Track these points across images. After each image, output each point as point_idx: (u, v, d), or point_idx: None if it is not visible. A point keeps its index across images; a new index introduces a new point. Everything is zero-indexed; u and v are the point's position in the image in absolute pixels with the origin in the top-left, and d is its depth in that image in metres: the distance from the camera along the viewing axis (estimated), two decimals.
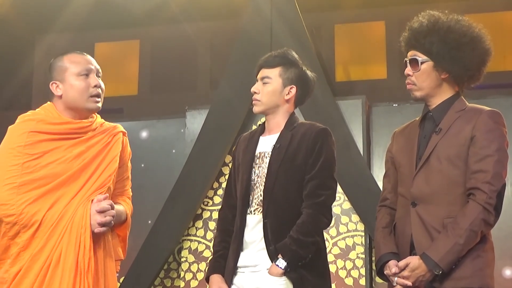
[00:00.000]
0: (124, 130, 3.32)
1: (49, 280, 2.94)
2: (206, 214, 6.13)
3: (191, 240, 6.13)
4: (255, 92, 3.30)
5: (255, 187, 3.22)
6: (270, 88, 3.28)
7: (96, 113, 3.28)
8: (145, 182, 6.05)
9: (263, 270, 3.12)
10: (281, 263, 3.06)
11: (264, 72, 3.30)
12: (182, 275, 6.08)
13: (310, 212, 3.14)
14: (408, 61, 3.07)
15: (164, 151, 6.61)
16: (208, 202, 6.14)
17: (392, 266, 2.95)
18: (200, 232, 6.11)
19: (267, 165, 3.22)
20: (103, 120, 3.30)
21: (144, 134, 6.68)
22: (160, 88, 8.07)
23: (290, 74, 3.29)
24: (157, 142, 6.64)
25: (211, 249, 3.59)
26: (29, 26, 7.81)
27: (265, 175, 3.20)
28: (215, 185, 6.14)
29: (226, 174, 5.95)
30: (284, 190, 3.17)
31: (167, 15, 7.40)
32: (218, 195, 6.01)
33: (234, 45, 6.36)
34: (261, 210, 3.17)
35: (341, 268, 5.74)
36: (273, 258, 3.09)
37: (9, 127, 3.16)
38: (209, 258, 3.37)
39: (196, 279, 6.01)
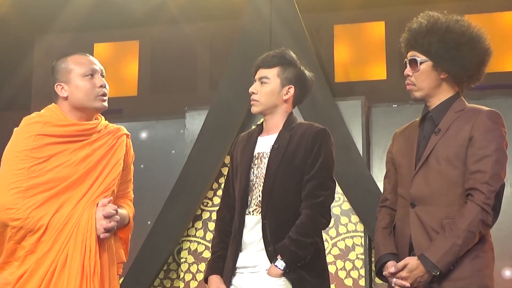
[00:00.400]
0: (127, 133, 3.32)
1: (55, 284, 2.94)
2: (205, 215, 6.13)
3: (190, 241, 6.13)
4: (253, 93, 3.29)
5: (253, 188, 3.22)
6: (268, 88, 3.27)
7: (100, 115, 3.29)
8: (144, 183, 6.04)
9: (262, 270, 3.12)
10: (280, 264, 3.06)
11: (262, 72, 3.30)
12: (181, 275, 6.08)
13: (309, 212, 3.14)
14: (407, 62, 3.07)
15: (163, 152, 6.61)
16: (207, 203, 6.14)
17: (390, 266, 2.95)
18: (200, 233, 6.11)
19: (265, 166, 3.21)
20: (107, 122, 3.30)
21: (143, 134, 6.68)
22: (160, 88, 8.07)
23: (288, 74, 3.29)
24: (156, 143, 6.64)
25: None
26: (28, 26, 7.80)
27: (264, 176, 3.19)
28: (215, 185, 6.14)
29: (225, 175, 5.95)
30: (283, 190, 3.17)
31: (166, 15, 7.39)
32: (218, 196, 6.01)
33: (233, 46, 6.36)
34: (260, 210, 3.16)
35: (341, 269, 5.74)
36: (272, 258, 3.09)
37: (15, 129, 3.15)
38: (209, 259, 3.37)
39: (196, 279, 6.01)
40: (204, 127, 6.13)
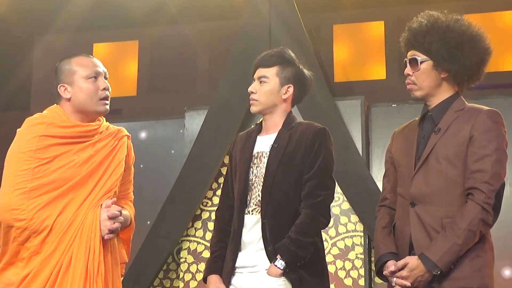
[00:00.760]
0: (128, 134, 3.34)
1: (59, 285, 2.95)
2: (205, 215, 6.13)
3: (190, 241, 6.12)
4: (252, 92, 3.28)
5: (253, 187, 3.21)
6: (268, 88, 3.26)
7: (102, 117, 3.30)
8: (144, 183, 6.03)
9: (261, 270, 3.11)
10: (280, 263, 3.05)
11: (261, 71, 3.28)
12: (181, 275, 6.07)
13: (309, 212, 3.13)
14: (407, 61, 3.07)
15: (163, 152, 6.60)
16: (207, 203, 6.14)
17: (390, 265, 2.95)
18: (199, 233, 6.11)
19: (265, 165, 3.20)
20: (108, 123, 3.31)
21: (143, 134, 6.68)
22: (159, 88, 8.07)
23: (287, 73, 3.28)
24: (156, 143, 6.63)
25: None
26: (28, 27, 7.80)
27: (263, 175, 3.18)
28: (214, 185, 6.14)
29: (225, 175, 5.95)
30: (283, 190, 3.16)
31: (165, 15, 7.40)
32: (217, 196, 6.00)
33: (233, 46, 6.35)
34: (259, 210, 3.16)
35: (340, 269, 5.74)
36: (271, 258, 3.09)
37: (18, 130, 3.15)
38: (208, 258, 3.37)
39: (195, 279, 6.01)
40: (204, 127, 6.13)
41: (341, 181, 5.53)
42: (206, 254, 5.97)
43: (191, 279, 6.03)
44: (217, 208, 3.41)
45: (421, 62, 3.01)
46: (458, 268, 2.84)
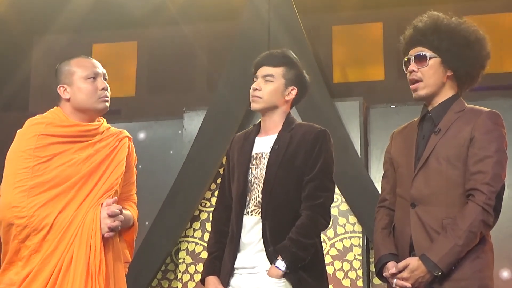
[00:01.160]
0: (129, 136, 3.39)
1: (60, 283, 2.97)
2: (203, 216, 6.13)
3: (188, 242, 6.13)
4: (256, 89, 3.26)
5: (252, 188, 3.21)
6: (272, 87, 3.25)
7: (102, 117, 3.35)
8: (142, 183, 5.96)
9: (261, 271, 3.11)
10: (281, 264, 3.05)
11: (266, 70, 3.27)
12: (179, 276, 6.07)
13: (309, 213, 3.13)
14: (412, 58, 3.06)
15: (161, 152, 6.60)
16: (205, 204, 6.14)
17: (390, 267, 2.94)
18: (198, 234, 6.11)
19: (265, 166, 3.20)
20: (109, 125, 3.35)
21: (141, 135, 6.68)
22: (158, 89, 8.06)
23: (292, 75, 3.29)
24: (154, 143, 6.63)
25: None
26: (27, 27, 7.79)
27: (263, 176, 3.18)
28: (213, 186, 6.14)
29: None
30: (283, 191, 3.16)
31: (164, 16, 7.39)
32: (216, 197, 5.99)
33: (232, 47, 6.35)
34: (259, 211, 3.16)
35: (339, 270, 5.74)
36: (272, 259, 3.09)
37: (18, 131, 3.20)
38: (205, 260, 3.37)
39: (194, 280, 6.01)
40: (202, 128, 6.13)
41: (339, 182, 5.52)
42: (205, 255, 5.94)
43: (190, 280, 6.03)
44: (214, 209, 3.41)
45: (430, 58, 3.01)
46: (459, 269, 2.84)
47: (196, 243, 6.09)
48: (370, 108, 6.18)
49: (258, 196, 3.17)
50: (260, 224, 3.14)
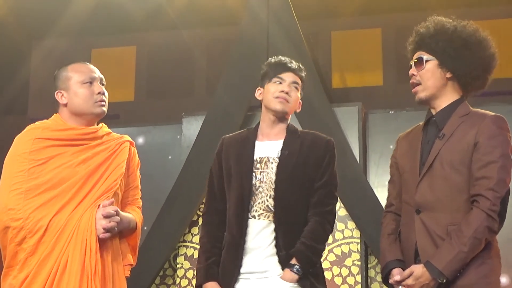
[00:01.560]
0: (131, 140, 3.41)
1: (57, 284, 2.98)
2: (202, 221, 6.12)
3: (187, 247, 6.12)
4: (287, 92, 3.28)
5: (257, 192, 3.21)
6: (296, 96, 3.35)
7: (103, 123, 3.38)
8: (141, 188, 6.02)
9: (273, 276, 3.12)
10: (297, 269, 3.08)
11: (294, 77, 3.33)
12: (177, 281, 6.07)
13: (319, 219, 3.19)
14: (413, 63, 3.07)
15: (160, 158, 6.60)
16: None
17: (395, 274, 2.94)
18: (196, 239, 6.10)
19: (273, 171, 3.22)
20: (110, 130, 3.37)
21: (140, 140, 6.67)
22: (157, 94, 8.06)
23: (301, 90, 3.40)
24: (153, 148, 6.63)
25: None
26: (26, 32, 7.80)
27: (273, 181, 3.20)
28: None
29: None
30: (294, 196, 3.20)
31: (163, 21, 7.40)
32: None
33: (231, 52, 6.36)
34: (269, 215, 3.17)
35: (337, 275, 5.74)
36: (284, 264, 3.11)
37: (16, 136, 3.23)
38: (198, 266, 3.31)
39: (192, 285, 6.00)
40: (201, 133, 6.13)
41: (338, 187, 5.52)
42: None
43: (188, 285, 6.02)
44: (205, 213, 3.37)
45: (427, 61, 3.01)
46: (464, 276, 2.83)
47: (195, 248, 6.08)
48: (368, 113, 6.18)
49: (267, 200, 3.18)
50: (270, 228, 3.16)
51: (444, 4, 6.40)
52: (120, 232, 3.23)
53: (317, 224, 3.18)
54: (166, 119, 6.97)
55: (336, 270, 5.75)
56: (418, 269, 2.86)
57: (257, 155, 3.28)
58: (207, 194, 3.41)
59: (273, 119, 3.32)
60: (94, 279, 2.99)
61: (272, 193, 3.18)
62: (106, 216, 3.09)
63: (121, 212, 3.19)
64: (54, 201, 3.07)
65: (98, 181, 3.17)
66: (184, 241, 6.12)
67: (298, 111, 3.40)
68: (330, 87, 7.37)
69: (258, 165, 3.25)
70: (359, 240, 5.77)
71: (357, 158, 5.84)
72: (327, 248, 5.77)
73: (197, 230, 6.10)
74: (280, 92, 3.28)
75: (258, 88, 3.40)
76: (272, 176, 3.21)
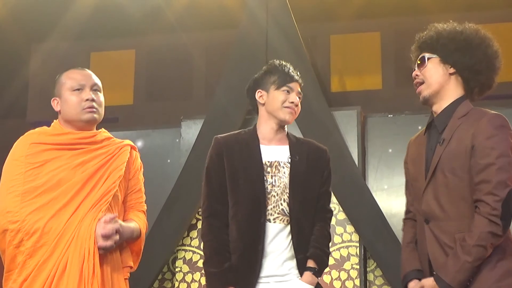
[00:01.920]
0: (133, 145, 3.40)
1: (55, 287, 2.98)
2: (201, 224, 6.11)
3: (185, 250, 6.11)
4: (296, 105, 3.35)
5: (270, 196, 3.22)
6: (299, 105, 3.41)
7: (103, 128, 3.39)
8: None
9: (293, 279, 3.18)
10: (316, 271, 3.20)
11: (298, 87, 3.39)
12: (176, 285, 6.06)
13: (323, 225, 3.31)
14: (416, 65, 3.08)
15: (159, 161, 6.59)
16: None
17: (411, 287, 2.97)
18: (195, 242, 6.09)
19: (286, 175, 3.25)
20: (110, 135, 3.37)
21: (139, 143, 6.67)
22: (156, 97, 8.06)
23: None
24: (152, 152, 6.62)
25: None
26: (25, 35, 7.79)
27: (287, 185, 3.23)
28: None
29: None
30: (306, 200, 3.27)
31: (162, 24, 7.40)
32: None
33: (229, 55, 6.36)
34: (284, 219, 3.21)
35: (336, 279, 5.73)
36: (302, 267, 3.19)
37: (15, 141, 3.27)
38: (212, 270, 3.27)
39: None
40: (200, 136, 6.13)
41: (337, 191, 5.53)
42: (202, 263, 5.94)
43: None
44: (208, 216, 3.30)
45: (429, 59, 3.02)
46: (476, 282, 2.80)
47: (193, 252, 6.08)
48: (367, 117, 6.18)
49: (281, 204, 3.21)
50: (286, 232, 3.21)
51: (443, 8, 6.40)
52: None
53: (323, 229, 3.30)
54: (165, 123, 6.97)
55: (335, 274, 5.74)
56: (428, 283, 2.87)
57: (265, 159, 3.28)
58: (206, 196, 3.32)
59: (277, 127, 3.34)
60: (92, 283, 3.00)
61: (286, 197, 3.23)
62: (105, 236, 3.07)
63: (123, 224, 3.19)
64: (51, 203, 3.08)
65: (97, 184, 3.18)
66: (183, 244, 6.12)
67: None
68: (329, 91, 7.37)
69: (269, 169, 3.26)
70: (357, 244, 5.77)
71: (356, 162, 5.84)
72: None
73: (196, 234, 6.10)
74: (290, 103, 3.32)
75: (258, 90, 3.38)
76: (286, 180, 3.24)
